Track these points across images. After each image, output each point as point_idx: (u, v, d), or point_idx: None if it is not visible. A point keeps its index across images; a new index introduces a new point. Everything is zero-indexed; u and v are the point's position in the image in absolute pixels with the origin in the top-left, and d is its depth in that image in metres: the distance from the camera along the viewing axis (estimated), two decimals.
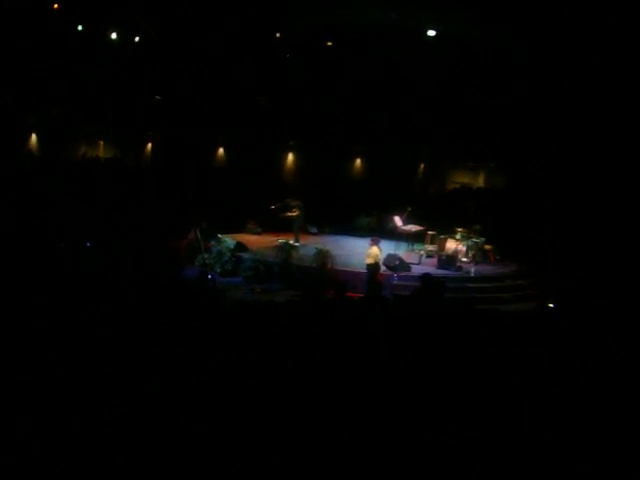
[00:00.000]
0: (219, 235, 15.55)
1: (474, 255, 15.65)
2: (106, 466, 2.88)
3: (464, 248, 15.75)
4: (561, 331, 6.12)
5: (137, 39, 20.98)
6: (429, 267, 14.52)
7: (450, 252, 15.62)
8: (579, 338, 5.67)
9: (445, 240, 16.21)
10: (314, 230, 19.96)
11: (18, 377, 3.56)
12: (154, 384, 3.64)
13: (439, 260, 15.17)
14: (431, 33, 19.34)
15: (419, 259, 15.59)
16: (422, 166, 25.52)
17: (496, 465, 3.13)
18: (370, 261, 12.87)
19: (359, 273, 13.18)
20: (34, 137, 24.37)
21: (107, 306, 5.44)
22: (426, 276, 7.99)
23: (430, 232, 17.33)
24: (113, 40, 20.80)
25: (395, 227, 16.03)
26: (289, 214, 17.27)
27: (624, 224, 15.91)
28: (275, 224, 18.11)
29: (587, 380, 4.25)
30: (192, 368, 3.95)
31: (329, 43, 22.08)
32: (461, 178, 25.25)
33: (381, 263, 13.39)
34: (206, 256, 14.89)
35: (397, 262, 14.09)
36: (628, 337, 5.65)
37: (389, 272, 13.72)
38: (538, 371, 4.41)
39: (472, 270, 14.71)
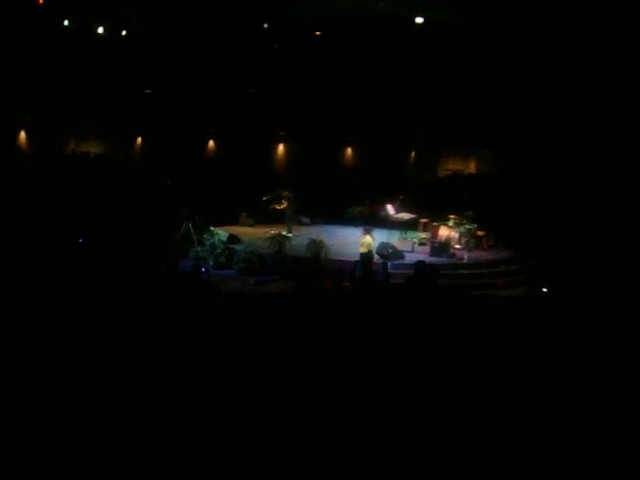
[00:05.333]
0: (212, 228, 15.52)
1: (467, 241, 15.73)
2: (103, 461, 2.89)
3: (457, 235, 15.83)
4: (554, 315, 6.17)
5: (124, 32, 20.77)
6: (422, 254, 14.55)
7: (443, 239, 15.70)
8: (573, 322, 5.71)
9: (438, 227, 16.29)
10: (307, 221, 19.94)
11: (18, 371, 3.56)
12: (150, 378, 3.65)
13: (432, 247, 15.21)
14: (419, 20, 19.24)
15: (412, 247, 15.63)
16: (413, 154, 25.53)
17: (493, 453, 3.16)
18: (364, 250, 12.89)
19: (353, 262, 13.19)
20: (23, 134, 24.15)
21: (101, 301, 5.44)
22: (420, 263, 8.01)
23: (423, 220, 17.40)
24: (99, 34, 20.59)
25: (387, 215, 16.05)
26: (277, 207, 17.21)
27: (617, 209, 15.97)
28: (268, 216, 18.08)
29: (581, 365, 4.29)
30: (188, 361, 3.95)
31: (317, 33, 21.97)
32: (452, 165, 25.29)
33: (374, 252, 13.42)
34: (199, 249, 14.87)
35: (390, 250, 14.12)
36: (622, 322, 5.70)
37: (382, 260, 13.75)
38: (530, 355, 4.44)
39: (465, 256, 14.77)
